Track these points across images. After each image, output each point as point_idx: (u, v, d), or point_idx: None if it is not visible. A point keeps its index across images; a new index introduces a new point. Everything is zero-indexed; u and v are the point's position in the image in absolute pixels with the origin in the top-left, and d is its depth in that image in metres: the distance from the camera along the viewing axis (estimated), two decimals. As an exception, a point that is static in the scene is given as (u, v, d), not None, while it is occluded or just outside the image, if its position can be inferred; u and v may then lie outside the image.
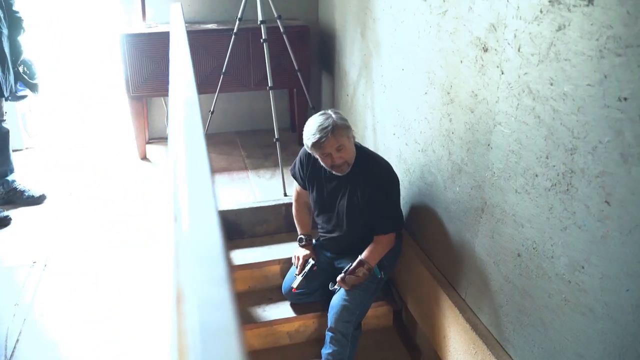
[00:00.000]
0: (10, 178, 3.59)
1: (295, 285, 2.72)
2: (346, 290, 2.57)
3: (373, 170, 2.53)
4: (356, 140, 2.56)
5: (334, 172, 2.50)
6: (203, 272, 0.44)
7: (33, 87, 3.50)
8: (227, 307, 0.41)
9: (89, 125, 4.90)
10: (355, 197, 2.54)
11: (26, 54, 3.43)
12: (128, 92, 3.84)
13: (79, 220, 3.44)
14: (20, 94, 3.51)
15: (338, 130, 2.38)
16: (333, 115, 2.42)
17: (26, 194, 3.61)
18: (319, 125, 2.38)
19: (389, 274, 2.81)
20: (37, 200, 3.62)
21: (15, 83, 3.38)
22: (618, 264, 1.45)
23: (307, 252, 2.74)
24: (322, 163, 2.49)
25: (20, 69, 3.40)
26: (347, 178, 2.54)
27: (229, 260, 0.45)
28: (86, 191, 3.77)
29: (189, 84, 1.08)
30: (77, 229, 3.35)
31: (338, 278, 2.55)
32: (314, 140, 2.38)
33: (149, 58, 3.73)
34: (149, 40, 3.71)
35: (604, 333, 1.52)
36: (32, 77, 3.47)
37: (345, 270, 2.55)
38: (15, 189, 3.60)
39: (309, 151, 2.49)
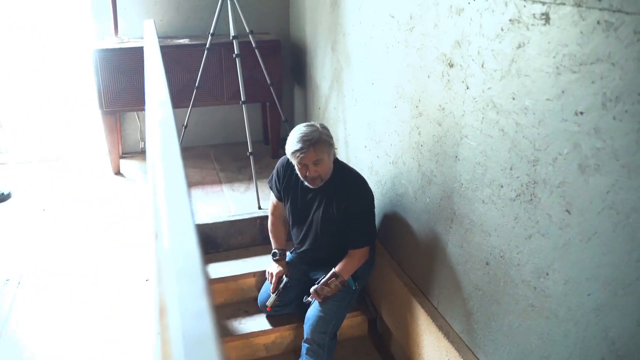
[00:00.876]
0: None
1: (269, 304, 2.76)
2: (321, 302, 2.61)
3: (349, 186, 2.57)
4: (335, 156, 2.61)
5: (306, 183, 2.55)
6: (183, 286, 0.48)
7: None
8: (206, 317, 0.46)
9: (62, 141, 4.87)
10: (330, 209, 2.58)
11: None
12: (101, 107, 3.84)
13: (52, 237, 3.42)
14: None
15: (320, 145, 2.42)
16: (320, 129, 2.45)
17: None
18: (303, 136, 2.42)
19: (363, 285, 2.86)
20: (4, 198, 3.72)
21: None
22: (579, 270, 1.52)
23: (280, 268, 2.77)
24: (297, 171, 2.54)
25: None
26: (323, 191, 2.58)
27: (206, 274, 0.50)
28: (60, 207, 3.75)
29: (164, 103, 1.12)
30: (51, 245, 3.33)
31: (312, 290, 2.59)
32: (294, 149, 2.42)
33: (121, 73, 3.74)
34: (121, 55, 3.72)
35: (567, 335, 1.59)
36: None
37: (318, 282, 2.59)
38: None
39: (289, 157, 2.52)
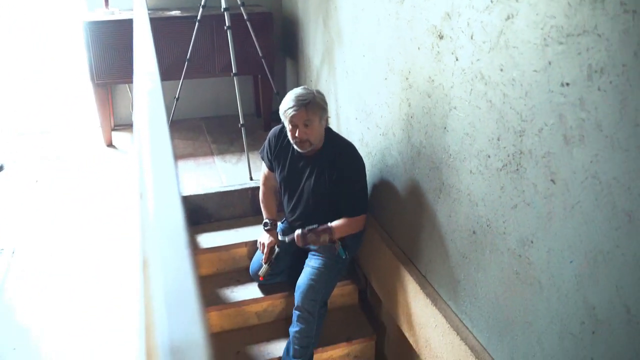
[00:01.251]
0: None
1: (261, 273, 2.79)
2: (313, 270, 2.65)
3: (341, 154, 2.59)
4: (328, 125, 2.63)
5: (295, 147, 2.56)
6: (166, 243, 0.51)
7: None
8: (186, 270, 0.48)
9: (55, 113, 4.85)
10: (322, 178, 2.60)
11: None
12: (92, 80, 3.83)
13: (46, 207, 3.44)
14: None
15: (312, 106, 2.45)
16: (315, 93, 2.49)
17: None
18: (298, 96, 2.46)
19: (353, 255, 2.90)
20: None
21: None
22: (562, 238, 1.55)
23: (272, 238, 2.79)
24: (288, 133, 2.55)
25: None
26: (314, 159, 2.60)
27: (188, 231, 0.52)
28: (53, 178, 3.76)
29: (151, 73, 1.13)
30: (44, 216, 3.35)
31: (297, 231, 2.60)
32: (287, 107, 2.46)
33: (112, 45, 3.72)
34: (112, 28, 3.70)
35: (549, 302, 1.63)
36: None
37: (310, 227, 2.59)
38: None
39: (281, 116, 2.53)
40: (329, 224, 2.59)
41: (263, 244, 2.79)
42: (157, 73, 1.13)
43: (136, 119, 0.82)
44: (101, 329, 2.56)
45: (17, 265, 2.91)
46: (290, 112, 2.44)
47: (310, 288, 2.64)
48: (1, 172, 3.79)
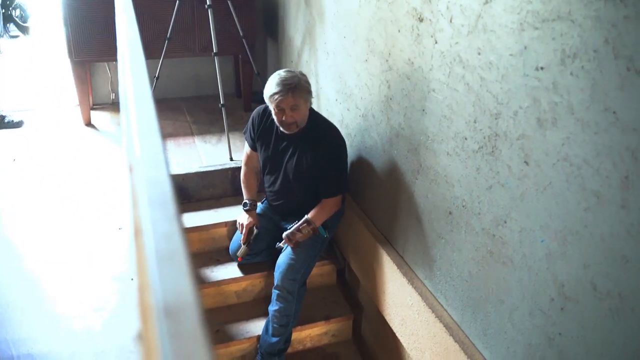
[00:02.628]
0: None
1: (240, 254, 2.84)
2: (292, 250, 2.68)
3: (324, 136, 2.62)
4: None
5: (281, 129, 2.58)
6: (156, 210, 0.53)
7: (24, 30, 3.88)
8: (177, 237, 0.51)
9: (33, 91, 4.80)
10: (304, 158, 2.62)
11: None
12: (70, 57, 3.79)
13: (23, 187, 3.42)
14: (12, 34, 3.94)
15: (299, 91, 2.46)
16: (299, 76, 2.50)
17: (7, 119, 4.06)
18: (283, 80, 2.45)
19: (332, 234, 2.95)
20: (17, 125, 4.10)
21: (5, 25, 3.69)
22: (534, 218, 1.60)
23: (251, 219, 2.81)
24: (273, 116, 2.56)
25: (15, 12, 3.72)
26: (297, 139, 2.62)
27: (177, 201, 0.55)
28: (30, 157, 3.74)
29: (136, 48, 1.15)
30: (21, 195, 3.34)
31: (284, 235, 2.65)
32: (273, 92, 2.46)
33: (91, 21, 3.68)
34: (91, 3, 3.66)
35: (521, 280, 1.69)
36: (25, 20, 3.83)
37: (290, 228, 2.65)
38: None
39: (266, 100, 2.54)
40: (306, 216, 2.63)
41: (242, 225, 2.81)
42: (141, 48, 1.15)
43: (122, 95, 0.84)
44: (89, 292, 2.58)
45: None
46: (277, 97, 2.45)
47: (290, 267, 2.68)
48: (20, 127, 4.05)
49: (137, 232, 0.53)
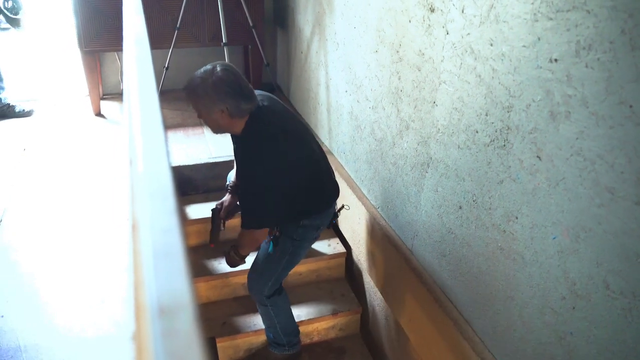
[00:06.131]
0: (2, 96, 4.05)
1: (210, 240, 2.65)
2: (256, 258, 2.51)
3: (242, 153, 2.24)
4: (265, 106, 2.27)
5: None
6: (155, 205, 0.51)
7: (14, 22, 3.77)
8: (175, 233, 0.49)
9: (43, 81, 4.80)
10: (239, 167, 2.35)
11: None
12: (80, 47, 3.78)
13: (34, 176, 3.42)
14: (3, 26, 3.85)
15: (192, 97, 2.13)
16: (205, 77, 2.08)
17: (17, 109, 4.10)
18: (188, 80, 2.14)
19: (298, 243, 2.45)
20: (28, 114, 4.14)
21: None
22: (546, 214, 1.57)
23: (219, 201, 2.60)
24: None
25: (7, 3, 3.61)
26: (237, 143, 2.31)
27: (177, 195, 0.53)
28: (41, 147, 3.74)
29: (141, 40, 1.12)
30: (32, 185, 3.34)
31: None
32: None
33: (101, 11, 3.67)
34: (100, -6, 3.65)
35: (531, 277, 1.66)
36: (16, 12, 3.71)
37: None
38: (8, 104, 4.08)
39: None
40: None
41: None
42: (146, 39, 1.13)
43: (126, 86, 0.82)
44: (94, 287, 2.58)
45: (4, 233, 2.90)
46: None
47: (253, 281, 2.54)
48: (30, 116, 4.09)
49: (135, 227, 0.51)
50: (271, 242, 2.40)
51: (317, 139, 2.54)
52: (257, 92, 2.28)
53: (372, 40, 2.56)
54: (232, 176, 2.66)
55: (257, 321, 2.83)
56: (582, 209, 1.43)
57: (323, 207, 2.42)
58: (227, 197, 2.60)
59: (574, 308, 1.50)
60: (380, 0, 2.43)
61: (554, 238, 1.56)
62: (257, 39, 3.69)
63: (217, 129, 2.23)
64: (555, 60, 1.46)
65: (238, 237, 2.42)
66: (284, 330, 2.67)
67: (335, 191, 2.51)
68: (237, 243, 2.43)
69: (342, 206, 2.61)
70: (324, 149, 3.30)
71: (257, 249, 2.53)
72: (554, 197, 1.53)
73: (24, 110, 4.07)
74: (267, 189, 2.18)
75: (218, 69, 2.09)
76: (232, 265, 2.50)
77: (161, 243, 0.48)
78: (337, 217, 2.57)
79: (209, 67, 2.11)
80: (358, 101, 2.84)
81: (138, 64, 0.86)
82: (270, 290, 2.52)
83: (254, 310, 2.88)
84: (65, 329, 2.43)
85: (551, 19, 1.45)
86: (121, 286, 2.67)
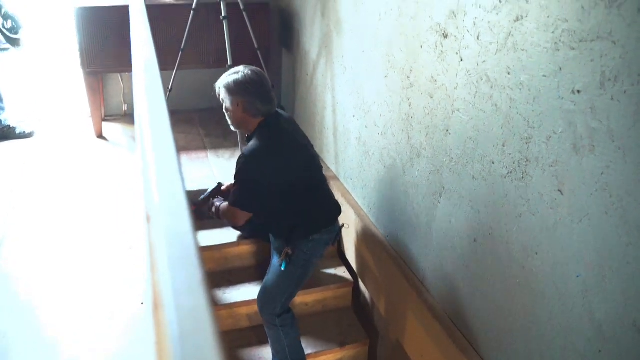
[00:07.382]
0: (2, 117, 3.96)
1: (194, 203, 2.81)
2: (266, 277, 2.61)
3: (246, 149, 2.44)
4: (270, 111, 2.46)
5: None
6: (179, 278, 0.45)
7: (14, 42, 3.65)
8: (203, 313, 0.43)
9: (45, 102, 4.76)
10: None
11: (9, 8, 3.49)
12: (83, 68, 3.74)
13: (33, 197, 3.36)
14: (2, 46, 3.72)
15: (222, 88, 2.42)
16: (233, 75, 2.39)
17: (18, 130, 4.01)
18: (224, 75, 2.45)
19: (304, 264, 2.57)
20: (29, 135, 4.05)
21: None
22: (569, 251, 1.51)
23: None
24: None
25: (6, 23, 3.50)
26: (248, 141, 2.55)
27: (203, 265, 0.46)
28: (40, 166, 3.68)
29: (150, 66, 1.07)
30: (31, 206, 3.27)
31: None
32: None
33: (104, 32, 3.63)
34: (104, 14, 3.61)
35: (553, 315, 1.59)
36: (15, 31, 3.60)
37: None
38: (8, 126, 3.98)
39: None
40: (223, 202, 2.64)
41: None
42: (156, 66, 1.08)
43: (137, 111, 0.77)
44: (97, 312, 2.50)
45: (3, 258, 2.84)
46: None
47: (261, 301, 2.61)
48: (31, 138, 4.01)
49: (157, 306, 0.44)
50: (283, 262, 2.50)
51: (322, 164, 2.65)
52: (282, 112, 2.59)
53: (382, 64, 2.51)
54: None
55: (262, 354, 2.76)
56: (608, 248, 1.37)
57: (330, 222, 2.58)
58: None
59: (600, 351, 1.43)
60: (390, 25, 2.39)
61: (578, 276, 1.49)
62: (262, 61, 3.65)
63: (234, 122, 2.50)
64: (579, 91, 1.41)
65: (222, 208, 2.62)
66: (292, 355, 2.64)
67: (337, 208, 2.64)
68: (221, 210, 2.62)
69: (342, 225, 2.68)
70: (330, 174, 3.25)
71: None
72: (578, 233, 1.47)
73: (24, 132, 4.01)
74: (256, 182, 2.39)
75: (247, 69, 2.40)
76: (200, 217, 2.70)
77: (188, 325, 0.42)
78: (340, 234, 2.69)
79: (240, 67, 2.43)
80: (366, 126, 2.78)
81: (151, 103, 0.80)
82: (282, 309, 2.58)
83: (258, 343, 2.81)
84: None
85: (574, 48, 1.41)
86: (126, 316, 2.60)
